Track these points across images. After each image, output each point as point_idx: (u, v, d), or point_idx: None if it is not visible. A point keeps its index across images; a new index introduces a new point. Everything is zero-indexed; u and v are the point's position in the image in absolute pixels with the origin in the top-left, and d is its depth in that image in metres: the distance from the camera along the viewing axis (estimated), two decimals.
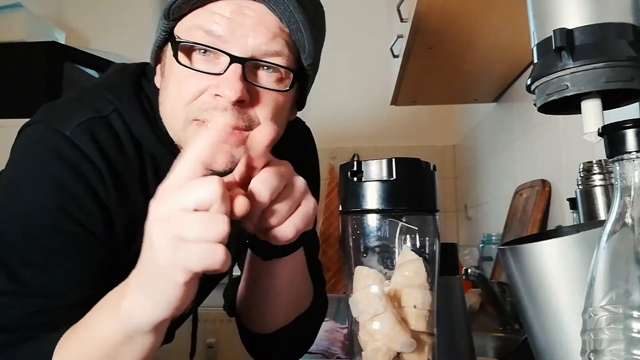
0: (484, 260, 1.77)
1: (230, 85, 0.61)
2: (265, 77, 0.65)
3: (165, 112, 0.67)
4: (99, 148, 0.66)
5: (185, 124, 0.64)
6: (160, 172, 0.71)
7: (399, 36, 1.64)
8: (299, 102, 0.75)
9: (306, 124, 0.94)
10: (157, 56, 0.71)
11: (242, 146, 0.63)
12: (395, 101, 2.11)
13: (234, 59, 0.62)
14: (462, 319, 0.65)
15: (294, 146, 0.85)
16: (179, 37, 0.64)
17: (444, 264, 0.59)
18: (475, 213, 2.45)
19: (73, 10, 2.94)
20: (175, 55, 0.63)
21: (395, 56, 1.75)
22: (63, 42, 2.31)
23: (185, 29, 0.64)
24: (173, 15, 0.65)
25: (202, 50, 0.64)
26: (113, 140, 0.68)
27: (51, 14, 2.78)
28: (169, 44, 0.66)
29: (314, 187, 0.92)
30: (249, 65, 0.63)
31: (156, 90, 0.71)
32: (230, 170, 0.63)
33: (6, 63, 2.03)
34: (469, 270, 1.17)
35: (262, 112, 0.64)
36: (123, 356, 0.54)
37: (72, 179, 0.64)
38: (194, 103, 0.63)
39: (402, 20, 1.51)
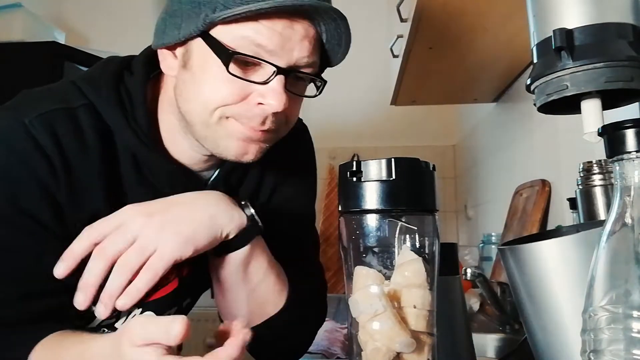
0: (484, 260, 1.76)
1: (277, 97, 0.65)
2: (297, 85, 0.70)
3: (194, 109, 0.68)
4: (55, 140, 0.66)
5: (220, 122, 0.67)
6: (140, 164, 0.72)
7: (399, 36, 1.64)
8: None
9: (306, 123, 0.94)
10: (178, 43, 0.69)
11: (270, 138, 0.70)
12: (395, 101, 2.11)
13: (280, 71, 0.65)
14: (462, 319, 0.65)
15: (290, 144, 0.87)
16: (227, 45, 0.65)
17: (444, 264, 0.59)
18: (475, 213, 2.45)
19: (73, 10, 2.94)
20: (227, 65, 0.64)
21: (395, 56, 1.75)
22: (63, 42, 2.31)
23: (231, 37, 0.65)
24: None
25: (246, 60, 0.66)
26: (74, 134, 0.68)
27: (51, 14, 2.78)
28: (198, 39, 0.67)
29: (309, 187, 0.92)
30: (289, 75, 0.67)
31: (141, 83, 0.72)
32: (256, 158, 0.70)
33: (6, 63, 2.03)
34: (469, 270, 1.17)
35: (291, 117, 0.72)
36: None
37: (20, 169, 0.65)
38: (232, 107, 0.66)
39: (402, 20, 1.51)
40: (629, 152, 0.40)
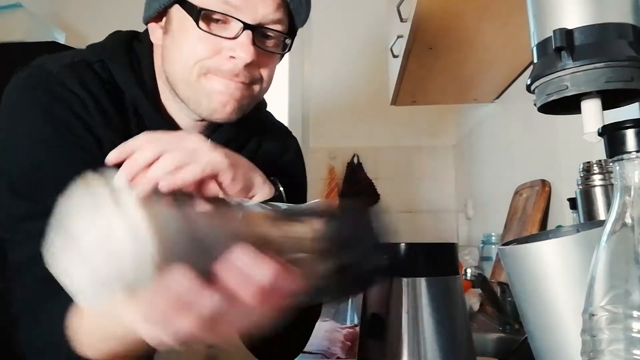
0: (484, 260, 1.77)
1: (245, 49, 0.71)
2: (267, 42, 0.76)
3: (177, 69, 0.75)
4: (83, 84, 0.73)
5: (199, 78, 0.73)
6: (144, 124, 0.77)
7: (399, 36, 1.64)
8: None
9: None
10: (159, 14, 0.77)
11: (246, 95, 0.75)
12: (395, 101, 2.11)
13: (247, 26, 0.71)
14: (462, 319, 0.65)
15: (275, 144, 0.92)
16: (198, 5, 0.71)
17: (444, 264, 0.59)
18: (475, 213, 2.45)
19: (73, 10, 2.94)
20: (197, 21, 0.71)
21: (395, 56, 1.75)
22: (63, 42, 2.31)
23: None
24: None
25: (216, 17, 0.72)
26: (96, 79, 0.75)
27: (51, 14, 2.78)
28: (176, 6, 0.74)
29: (300, 183, 0.96)
30: (257, 32, 0.73)
31: (148, 51, 0.80)
32: (235, 114, 0.75)
33: (6, 63, 2.03)
34: (469, 270, 1.17)
35: (265, 72, 0.77)
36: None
37: (59, 107, 0.71)
38: (207, 61, 0.73)
39: (402, 20, 1.51)
40: (629, 152, 0.40)
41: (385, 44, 1.85)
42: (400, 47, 1.65)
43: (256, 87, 0.77)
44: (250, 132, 0.86)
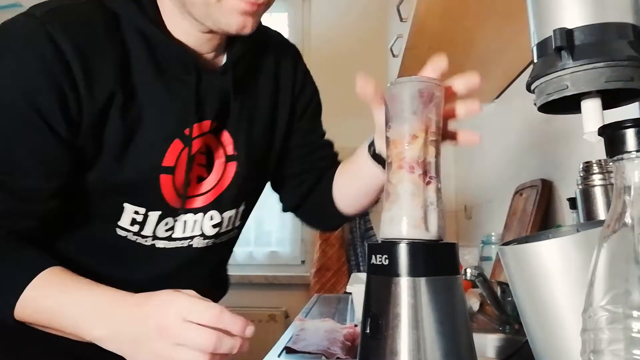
0: (484, 260, 1.77)
1: None
2: None
3: None
4: (65, 28, 0.70)
5: (220, 1, 0.73)
6: (151, 48, 0.76)
7: (399, 36, 1.64)
8: None
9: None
10: None
11: (262, 12, 0.77)
12: None
13: None
14: (462, 319, 0.65)
15: (285, 55, 0.98)
16: None
17: (444, 264, 0.59)
18: (475, 213, 2.46)
19: None
20: None
21: (395, 56, 1.75)
22: None
23: None
24: None
25: None
26: (82, 22, 0.73)
27: None
28: None
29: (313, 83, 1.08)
30: None
31: None
32: (252, 30, 0.76)
33: None
34: (469, 270, 1.17)
35: None
36: (60, 329, 0.68)
37: (34, 64, 0.69)
38: None
39: (401, 20, 1.51)
40: (629, 152, 0.40)
41: (384, 44, 1.85)
42: (400, 47, 1.65)
43: (269, 5, 0.78)
44: (256, 45, 0.87)
